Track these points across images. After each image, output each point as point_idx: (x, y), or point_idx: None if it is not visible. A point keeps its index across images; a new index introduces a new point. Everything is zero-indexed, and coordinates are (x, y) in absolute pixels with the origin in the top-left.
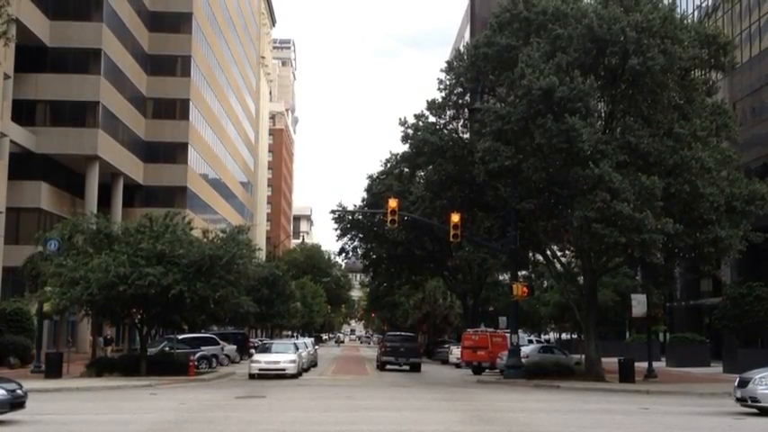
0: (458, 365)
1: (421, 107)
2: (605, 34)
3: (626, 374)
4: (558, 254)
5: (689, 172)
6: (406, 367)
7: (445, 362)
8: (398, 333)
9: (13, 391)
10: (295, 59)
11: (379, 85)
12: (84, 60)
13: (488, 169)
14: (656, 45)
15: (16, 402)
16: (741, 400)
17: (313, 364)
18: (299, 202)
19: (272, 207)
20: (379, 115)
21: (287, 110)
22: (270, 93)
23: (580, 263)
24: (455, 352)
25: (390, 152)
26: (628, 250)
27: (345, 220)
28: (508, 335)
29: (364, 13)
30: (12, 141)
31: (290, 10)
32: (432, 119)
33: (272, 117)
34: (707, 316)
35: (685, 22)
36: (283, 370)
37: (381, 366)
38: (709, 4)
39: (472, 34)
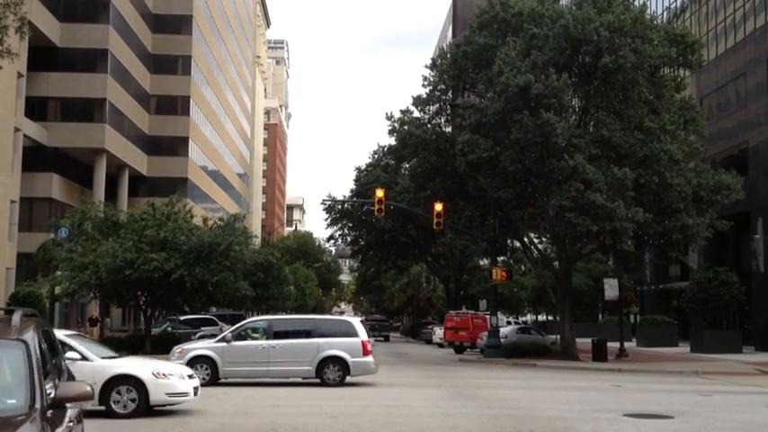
0: (441, 345)
1: (405, 101)
2: (579, 34)
3: (599, 354)
4: (535, 241)
5: (658, 164)
6: (381, 338)
7: (429, 342)
8: (375, 317)
9: None
10: (288, 59)
11: (365, 81)
12: (92, 60)
13: (468, 160)
14: (627, 44)
15: None
16: None
17: None
18: (292, 193)
19: (266, 197)
20: (366, 109)
21: (281, 106)
22: (265, 90)
23: (555, 249)
24: (438, 332)
25: (378, 144)
26: (600, 237)
27: (335, 210)
28: (488, 316)
29: (350, 14)
30: (25, 135)
31: (283, 12)
32: (416, 114)
33: (267, 113)
34: (675, 299)
35: (655, 22)
36: None
37: None
38: (678, 5)
39: (454, 34)
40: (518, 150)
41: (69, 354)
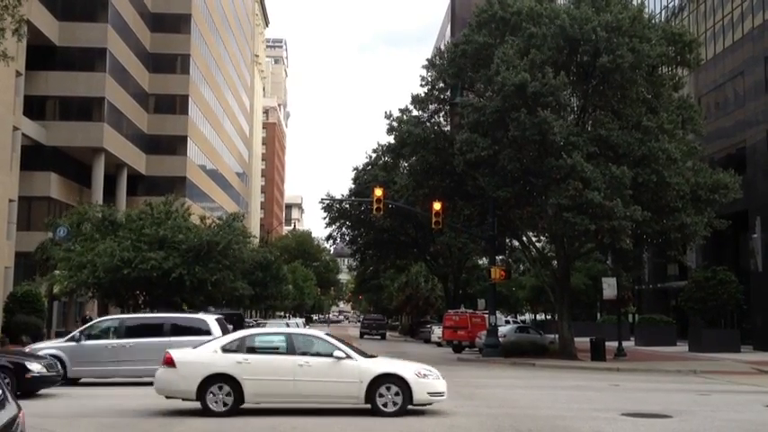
0: (439, 344)
1: (404, 99)
2: (577, 34)
3: (597, 353)
4: (534, 240)
5: (656, 162)
6: (378, 336)
7: (427, 341)
8: (372, 316)
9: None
10: (287, 58)
11: (363, 79)
12: (91, 59)
13: (466, 159)
14: (625, 44)
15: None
16: None
17: None
18: (290, 192)
19: (265, 196)
20: (365, 108)
21: (279, 105)
22: (263, 89)
23: (554, 248)
24: (437, 331)
25: (378, 143)
26: (598, 236)
27: (334, 209)
28: (487, 315)
29: (349, 13)
30: (24, 134)
31: (282, 11)
32: (415, 112)
33: (266, 112)
34: (673, 298)
35: (653, 21)
36: None
37: (361, 335)
38: (676, 4)
39: (453, 34)
40: (516, 149)
41: (336, 353)
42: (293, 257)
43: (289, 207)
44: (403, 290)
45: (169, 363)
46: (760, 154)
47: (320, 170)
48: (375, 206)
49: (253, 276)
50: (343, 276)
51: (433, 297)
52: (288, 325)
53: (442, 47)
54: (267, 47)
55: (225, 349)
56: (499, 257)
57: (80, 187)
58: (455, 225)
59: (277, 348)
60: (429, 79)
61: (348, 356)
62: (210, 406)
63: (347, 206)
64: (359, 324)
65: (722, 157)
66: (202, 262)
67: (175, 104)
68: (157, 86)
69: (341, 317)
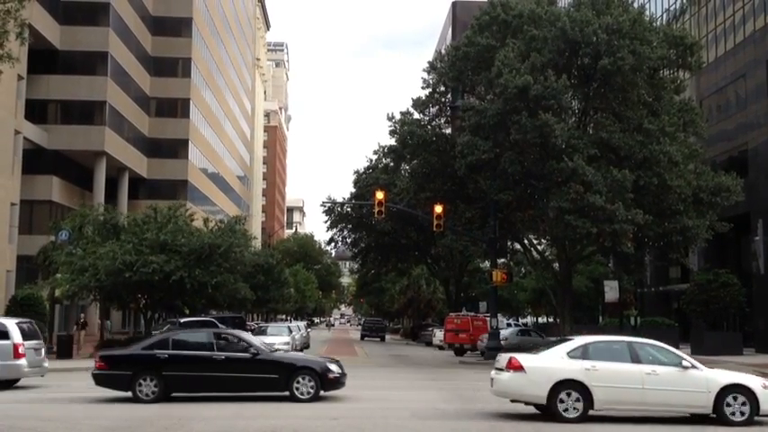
0: (441, 347)
1: (404, 102)
2: (578, 36)
3: None
4: (535, 242)
5: (658, 165)
6: (377, 339)
7: (429, 344)
8: (372, 319)
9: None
10: (288, 61)
11: (364, 82)
12: (92, 62)
13: (468, 162)
14: (626, 46)
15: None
16: None
17: (305, 345)
18: (292, 195)
19: (266, 199)
20: (366, 111)
21: (280, 108)
22: (264, 92)
23: (555, 251)
24: (438, 335)
25: (379, 144)
26: (600, 239)
27: (335, 212)
28: (488, 318)
29: (349, 16)
30: (25, 138)
31: (283, 15)
32: (416, 115)
33: (267, 115)
34: (675, 301)
35: (654, 24)
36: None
37: (362, 337)
38: (677, 7)
39: (454, 37)
40: (517, 152)
41: (683, 363)
42: (295, 260)
43: (290, 210)
44: (404, 293)
45: (517, 368)
46: (762, 156)
47: (321, 173)
48: (376, 209)
49: (254, 280)
50: (345, 279)
51: (435, 300)
52: (290, 328)
53: (443, 50)
54: (268, 50)
55: (570, 355)
56: (500, 260)
57: (82, 191)
58: (456, 228)
59: (619, 356)
60: (430, 82)
61: (693, 366)
62: (562, 412)
63: (348, 209)
64: (357, 326)
65: (724, 159)
66: (203, 265)
67: (177, 108)
68: (159, 90)
69: (344, 320)
